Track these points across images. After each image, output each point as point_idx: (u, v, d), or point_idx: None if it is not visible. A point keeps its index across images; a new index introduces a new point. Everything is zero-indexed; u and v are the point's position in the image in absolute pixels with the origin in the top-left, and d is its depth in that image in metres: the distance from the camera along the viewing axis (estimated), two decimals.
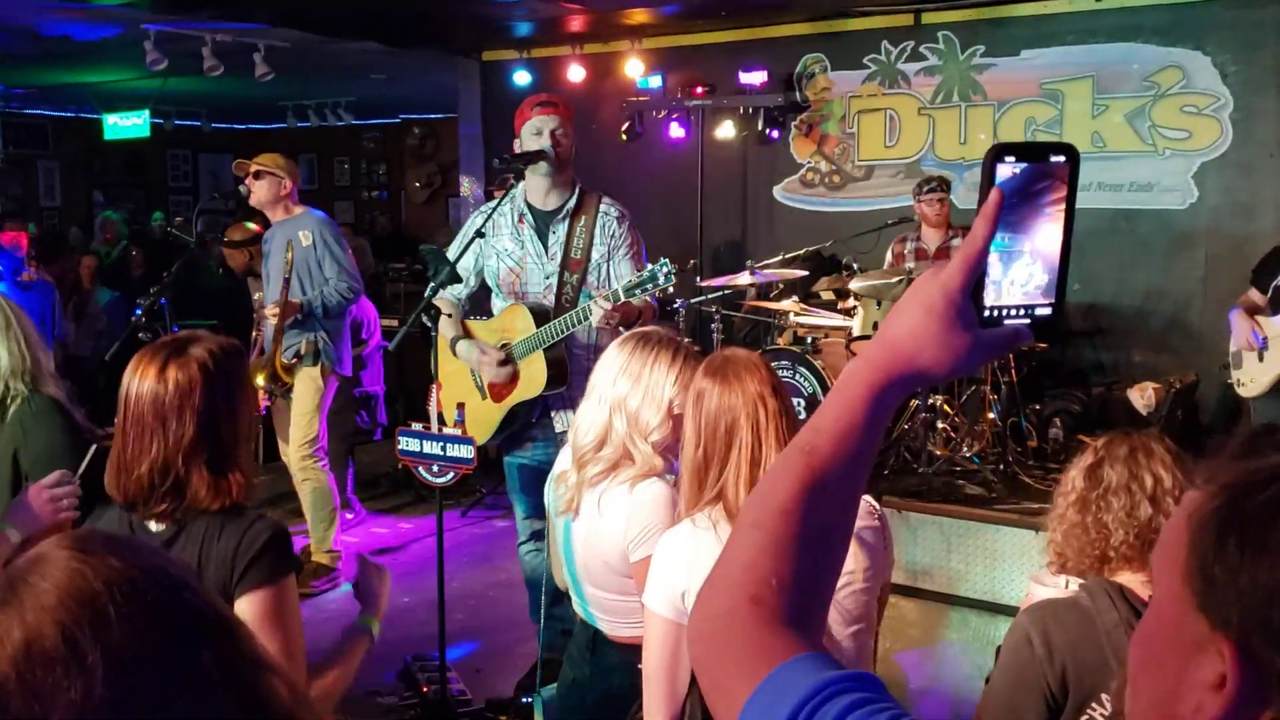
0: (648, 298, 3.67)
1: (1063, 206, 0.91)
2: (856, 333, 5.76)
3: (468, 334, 4.03)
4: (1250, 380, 5.05)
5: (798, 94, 7.66)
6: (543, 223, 3.94)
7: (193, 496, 1.99)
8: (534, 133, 3.86)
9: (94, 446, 2.13)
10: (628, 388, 2.40)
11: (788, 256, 6.43)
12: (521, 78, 8.68)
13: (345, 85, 11.09)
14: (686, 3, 7.32)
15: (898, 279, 5.57)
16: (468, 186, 9.46)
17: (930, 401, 5.55)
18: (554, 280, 3.90)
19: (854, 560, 2.11)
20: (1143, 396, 6.00)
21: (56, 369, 3.06)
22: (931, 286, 0.93)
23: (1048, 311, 0.93)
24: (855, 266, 6.30)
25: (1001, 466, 5.47)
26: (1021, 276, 0.92)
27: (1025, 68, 6.96)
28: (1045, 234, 0.92)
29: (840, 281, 6.43)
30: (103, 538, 0.90)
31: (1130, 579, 2.01)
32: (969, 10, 7.10)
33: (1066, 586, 2.32)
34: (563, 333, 3.73)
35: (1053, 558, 2.20)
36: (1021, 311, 0.93)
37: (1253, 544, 0.76)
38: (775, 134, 7.60)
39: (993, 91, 7.08)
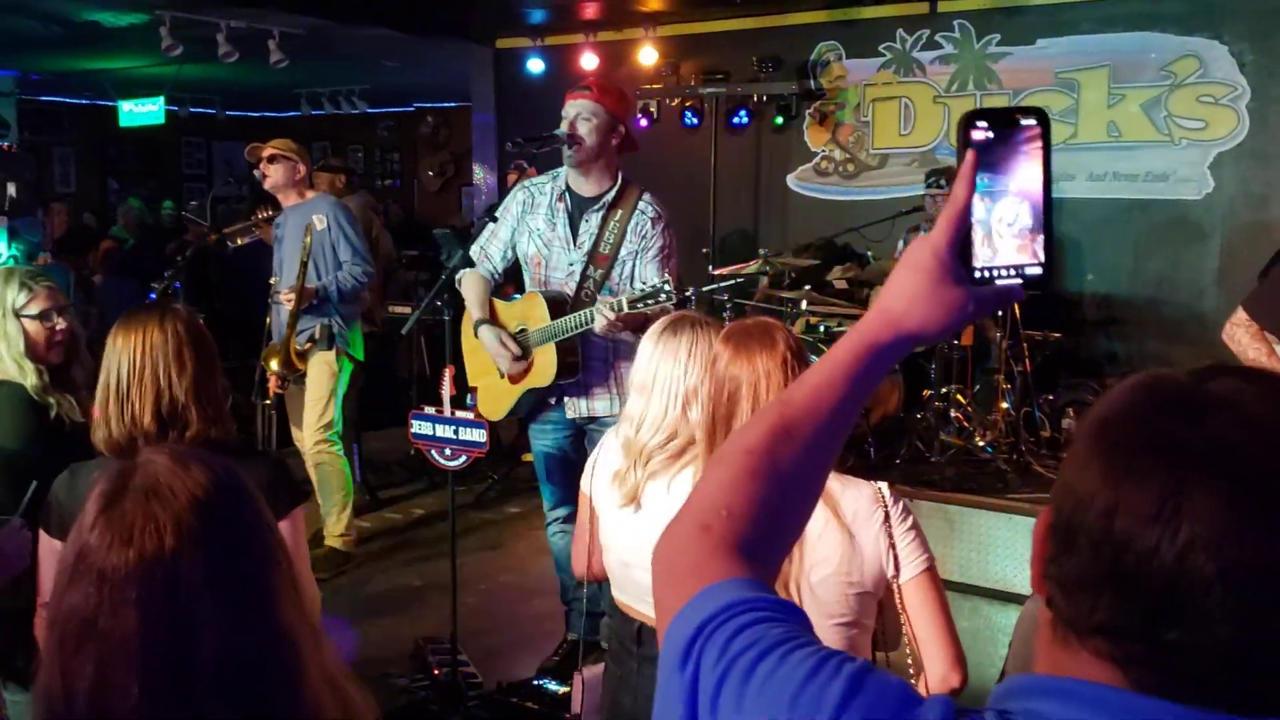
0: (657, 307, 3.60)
1: (1038, 160, 0.96)
2: None
3: (493, 315, 3.99)
4: None
5: (812, 82, 7.64)
6: (579, 208, 3.88)
7: (196, 428, 2.18)
8: (563, 117, 3.84)
9: (34, 484, 2.10)
10: (683, 373, 2.34)
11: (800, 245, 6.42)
12: (535, 65, 8.66)
13: (359, 73, 11.08)
14: None
15: None
16: (481, 175, 9.46)
17: (944, 391, 5.54)
18: (577, 270, 3.86)
19: (832, 547, 2.02)
20: None
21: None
22: (921, 247, 0.98)
23: (1038, 271, 0.97)
24: (870, 255, 6.28)
25: (1014, 456, 5.45)
26: (1007, 219, 0.96)
27: (1041, 56, 6.92)
28: (1023, 180, 0.96)
29: (854, 270, 6.41)
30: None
31: None
32: None
33: None
34: (573, 330, 3.73)
35: None
36: (1012, 272, 0.96)
37: None
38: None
39: (1008, 80, 7.04)
